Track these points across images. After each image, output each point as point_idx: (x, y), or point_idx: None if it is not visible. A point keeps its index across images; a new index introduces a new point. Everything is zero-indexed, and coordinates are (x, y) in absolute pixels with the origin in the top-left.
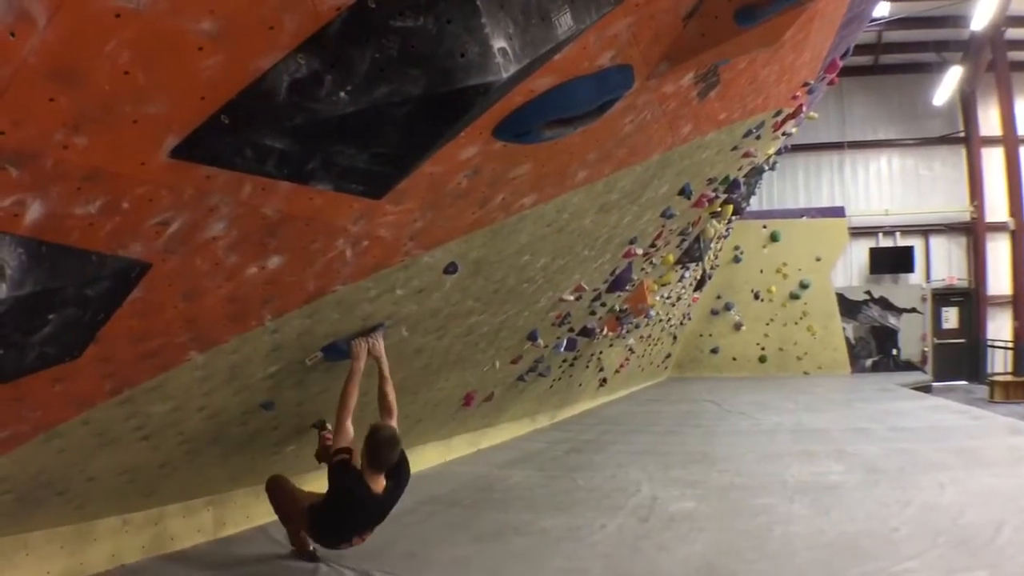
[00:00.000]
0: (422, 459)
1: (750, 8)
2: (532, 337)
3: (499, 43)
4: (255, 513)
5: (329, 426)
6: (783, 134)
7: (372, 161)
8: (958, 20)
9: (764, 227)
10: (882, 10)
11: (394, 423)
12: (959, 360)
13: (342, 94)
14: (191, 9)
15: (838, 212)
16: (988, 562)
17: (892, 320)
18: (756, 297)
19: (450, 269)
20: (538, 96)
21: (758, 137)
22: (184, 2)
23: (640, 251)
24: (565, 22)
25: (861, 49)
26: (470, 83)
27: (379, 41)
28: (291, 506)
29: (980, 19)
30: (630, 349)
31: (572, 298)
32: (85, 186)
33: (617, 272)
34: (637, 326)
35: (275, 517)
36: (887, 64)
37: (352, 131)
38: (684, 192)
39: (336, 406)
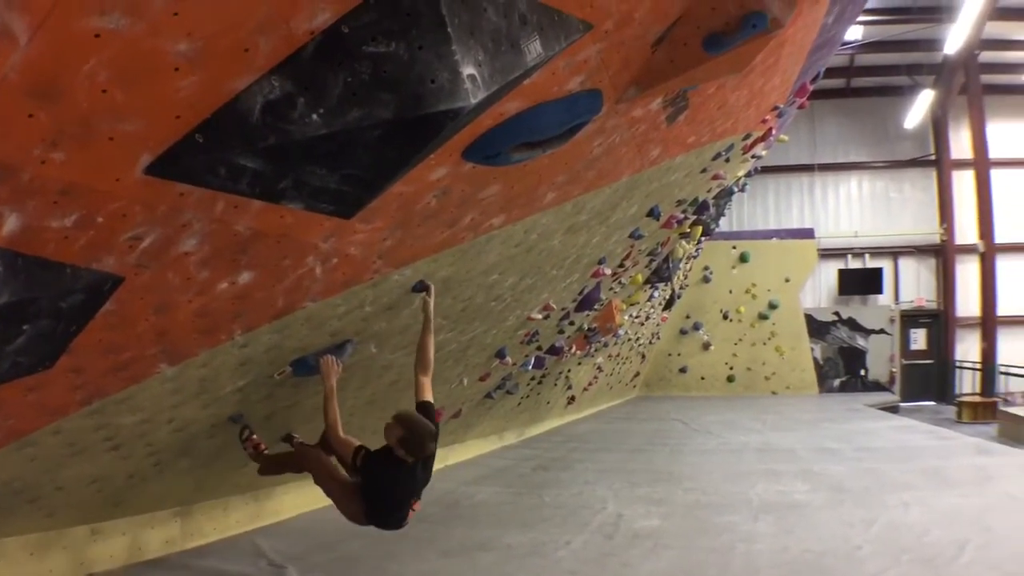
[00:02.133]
0: None
1: (718, 36)
2: (500, 355)
3: (469, 70)
4: (222, 524)
5: (297, 436)
6: (753, 156)
7: (343, 182)
8: (931, 44)
9: (734, 248)
10: (854, 33)
11: (429, 377)
12: (927, 381)
13: (315, 116)
14: (169, 31)
15: (808, 234)
16: None
17: (860, 341)
18: (725, 317)
19: (418, 287)
20: (508, 119)
21: (727, 160)
22: (162, 24)
23: (608, 271)
24: (534, 49)
25: (833, 72)
26: (440, 108)
27: (352, 65)
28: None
29: (953, 43)
30: (598, 367)
31: (540, 317)
32: (61, 200)
33: (585, 291)
34: (605, 345)
35: (243, 530)
36: (859, 87)
37: (324, 152)
38: (653, 213)
39: (322, 419)
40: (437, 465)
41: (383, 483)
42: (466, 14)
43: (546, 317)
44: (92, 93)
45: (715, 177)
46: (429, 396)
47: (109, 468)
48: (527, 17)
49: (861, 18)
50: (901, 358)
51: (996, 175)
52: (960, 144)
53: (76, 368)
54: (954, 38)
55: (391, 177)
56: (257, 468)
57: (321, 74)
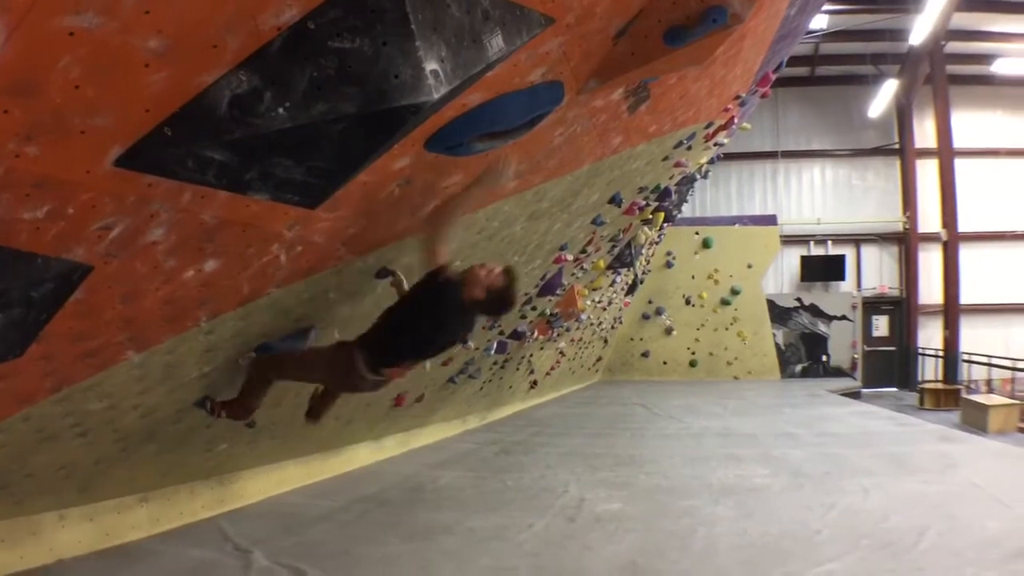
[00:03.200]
0: (354, 459)
1: (679, 29)
2: (463, 340)
3: (431, 65)
4: (188, 509)
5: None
6: (715, 144)
7: (308, 173)
8: (896, 34)
9: (697, 234)
10: (819, 22)
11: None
12: (889, 367)
13: (280, 110)
14: (140, 28)
15: (770, 220)
16: (911, 566)
17: (822, 327)
18: (687, 302)
19: (381, 274)
20: (470, 110)
21: (689, 148)
22: (134, 22)
23: (570, 257)
24: (496, 44)
25: (797, 60)
26: (403, 103)
27: (317, 61)
28: (307, 365)
29: (919, 33)
30: (561, 352)
31: None
32: (34, 192)
33: (547, 277)
34: (568, 329)
35: (208, 514)
36: (823, 76)
37: (289, 145)
38: (614, 201)
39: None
40: (400, 449)
41: (442, 298)
42: (429, 10)
43: None
44: (65, 89)
45: (677, 165)
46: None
47: (77, 454)
48: (489, 12)
49: (826, 7)
50: (863, 344)
51: (960, 165)
52: (924, 133)
53: (46, 356)
54: (920, 28)
55: (355, 169)
56: (228, 414)
57: (287, 69)
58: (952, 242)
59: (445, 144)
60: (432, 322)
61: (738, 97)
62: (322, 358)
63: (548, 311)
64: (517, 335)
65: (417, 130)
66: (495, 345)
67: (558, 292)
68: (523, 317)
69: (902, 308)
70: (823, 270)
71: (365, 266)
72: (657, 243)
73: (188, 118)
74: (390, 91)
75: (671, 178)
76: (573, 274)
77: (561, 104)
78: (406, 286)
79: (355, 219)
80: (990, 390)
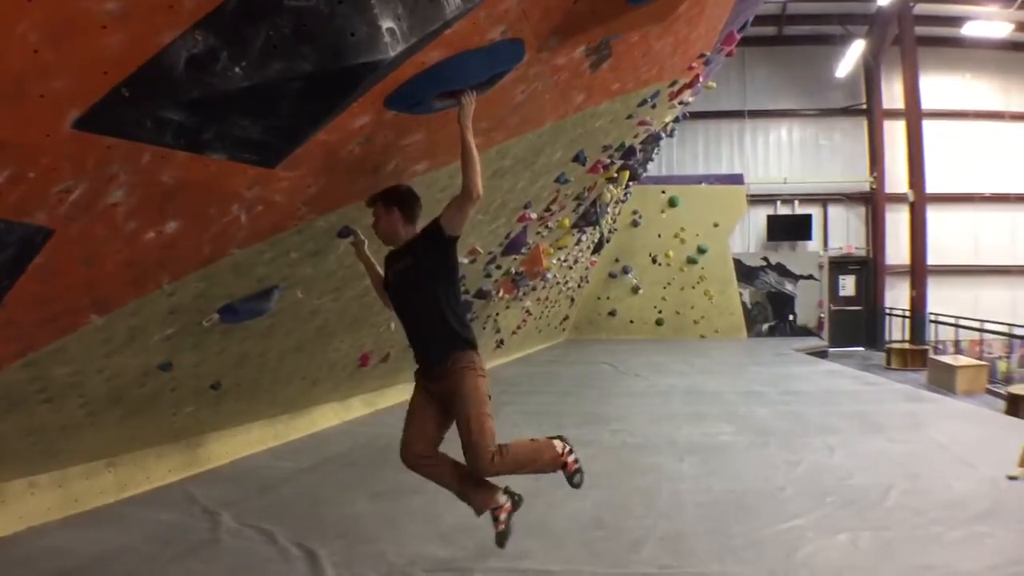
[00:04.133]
0: (320, 419)
1: None
2: None
3: (387, 23)
4: (156, 474)
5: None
6: (680, 103)
7: (265, 133)
8: None
9: (663, 192)
10: None
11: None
12: (856, 327)
13: (237, 69)
14: None
15: (737, 179)
16: (875, 524)
17: (789, 286)
18: (654, 261)
19: (343, 233)
20: (429, 68)
21: (653, 106)
22: None
23: (534, 215)
24: (453, 1)
25: (764, 20)
26: (359, 61)
27: (273, 20)
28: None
29: None
30: (527, 311)
31: (466, 261)
32: None
33: (512, 236)
34: (534, 288)
35: (176, 478)
36: (791, 35)
37: (246, 104)
38: (578, 159)
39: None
40: (366, 410)
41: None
42: None
43: (472, 261)
44: (24, 54)
45: (641, 123)
46: None
47: (44, 420)
48: None
49: None
50: (830, 304)
51: (928, 126)
52: (892, 94)
53: (9, 321)
54: None
55: (312, 128)
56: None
57: (243, 28)
58: (919, 203)
59: (405, 102)
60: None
61: (703, 56)
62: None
63: (513, 270)
64: (482, 294)
65: (376, 88)
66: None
67: (523, 251)
68: (488, 276)
69: (869, 268)
70: (790, 229)
71: (327, 225)
72: (623, 202)
73: (146, 79)
74: (346, 49)
75: (636, 136)
76: (538, 232)
77: (522, 62)
78: (367, 248)
79: (315, 178)
80: (958, 351)
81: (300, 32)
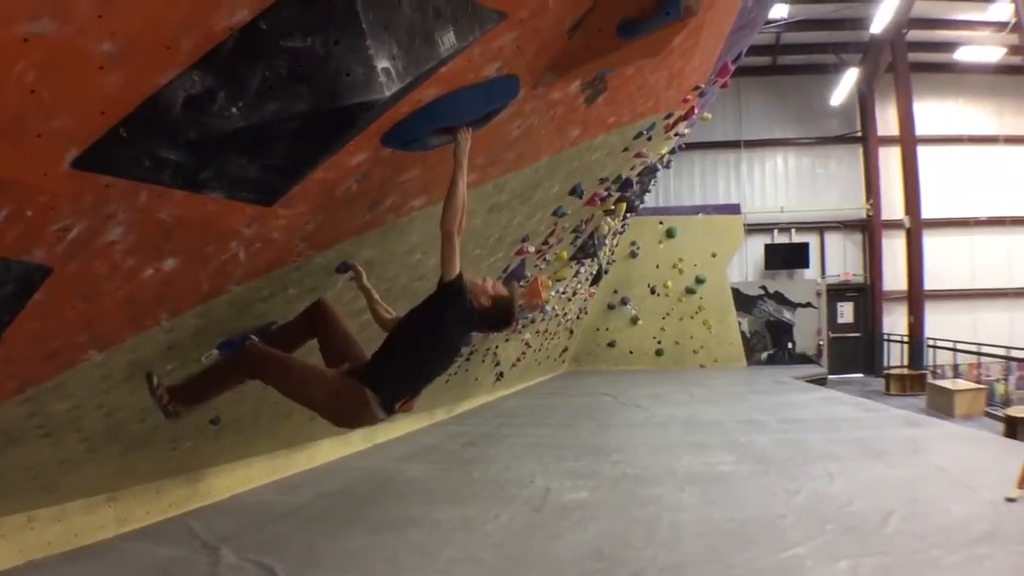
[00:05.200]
0: (318, 454)
1: (632, 22)
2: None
3: (383, 63)
4: (155, 508)
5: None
6: (676, 135)
7: (262, 172)
8: (857, 22)
9: (660, 223)
10: (780, 12)
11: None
12: (855, 354)
13: (234, 110)
14: (94, 32)
15: (734, 209)
16: (875, 550)
17: (787, 314)
18: (652, 292)
19: (341, 268)
20: (425, 105)
21: (649, 138)
22: (88, 26)
23: (532, 249)
24: (448, 40)
25: (759, 50)
26: (355, 101)
27: (269, 60)
28: (304, 381)
29: (880, 21)
30: (526, 344)
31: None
32: None
33: (510, 269)
34: (532, 321)
35: (176, 512)
36: (785, 64)
37: (243, 144)
38: (575, 192)
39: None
40: (365, 444)
41: (451, 326)
42: (380, 9)
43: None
44: (22, 93)
45: (638, 155)
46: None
47: (43, 455)
48: (441, 10)
49: None
50: (828, 331)
51: (923, 152)
52: (887, 121)
53: (8, 357)
54: (881, 17)
55: (309, 166)
56: (173, 400)
57: (240, 69)
58: (915, 229)
59: (401, 139)
60: (439, 341)
61: (697, 88)
62: (326, 383)
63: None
64: None
65: (372, 126)
66: None
67: (521, 284)
68: None
69: (867, 295)
70: (787, 258)
71: (325, 261)
72: (621, 233)
73: (143, 119)
74: (342, 89)
75: (632, 168)
76: (536, 265)
77: (517, 98)
78: (365, 279)
79: (313, 215)
80: (956, 375)
81: (296, 73)
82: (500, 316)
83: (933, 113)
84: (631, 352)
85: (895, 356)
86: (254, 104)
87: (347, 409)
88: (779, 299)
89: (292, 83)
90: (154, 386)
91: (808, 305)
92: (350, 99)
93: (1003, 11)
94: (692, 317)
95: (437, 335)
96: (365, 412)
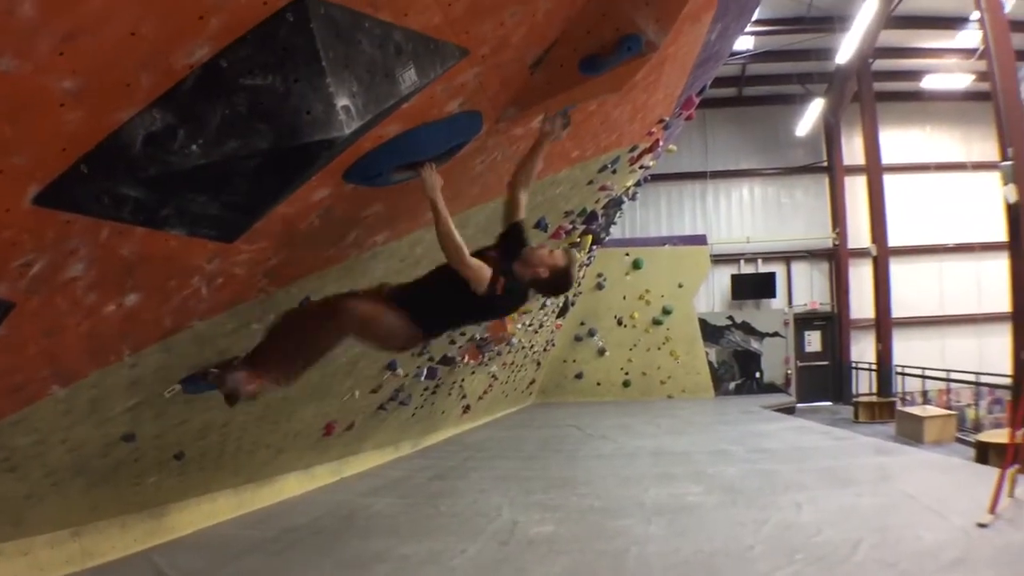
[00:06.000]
0: (285, 488)
1: (594, 58)
2: (391, 367)
3: (343, 101)
4: (120, 543)
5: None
6: (641, 167)
7: (223, 208)
8: (823, 52)
9: (627, 255)
10: (746, 44)
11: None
12: (823, 382)
13: (194, 147)
14: (55, 70)
15: (700, 240)
16: None
17: (755, 344)
18: (619, 323)
19: (305, 304)
20: (387, 141)
21: (614, 172)
22: (48, 64)
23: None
24: (409, 78)
25: (724, 81)
26: (315, 139)
27: (230, 98)
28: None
29: (845, 52)
30: (493, 376)
31: None
32: None
33: None
34: (499, 354)
35: (141, 547)
36: (751, 96)
37: (203, 181)
38: (539, 225)
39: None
40: (331, 478)
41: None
42: (341, 47)
43: None
44: None
45: (602, 188)
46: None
47: (7, 489)
48: (402, 47)
49: (753, 29)
50: (796, 360)
51: (890, 180)
52: (853, 150)
53: None
54: (846, 47)
55: (270, 204)
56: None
57: (200, 106)
58: (882, 257)
59: (363, 175)
60: (478, 310)
61: (662, 121)
62: (400, 322)
63: (478, 336)
64: (447, 361)
65: (335, 161)
66: (425, 371)
67: None
68: (452, 343)
69: (834, 323)
70: (754, 288)
71: (288, 297)
72: (587, 265)
73: (104, 156)
74: (302, 127)
75: (597, 202)
76: None
77: (480, 133)
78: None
79: (275, 250)
80: (926, 401)
81: (256, 110)
82: (557, 283)
83: (900, 141)
84: (598, 383)
85: (864, 384)
86: (214, 142)
87: (405, 337)
88: (746, 329)
89: (252, 121)
90: (217, 380)
91: (775, 334)
92: (310, 137)
93: (971, 38)
94: (659, 348)
95: (475, 306)
96: (415, 339)
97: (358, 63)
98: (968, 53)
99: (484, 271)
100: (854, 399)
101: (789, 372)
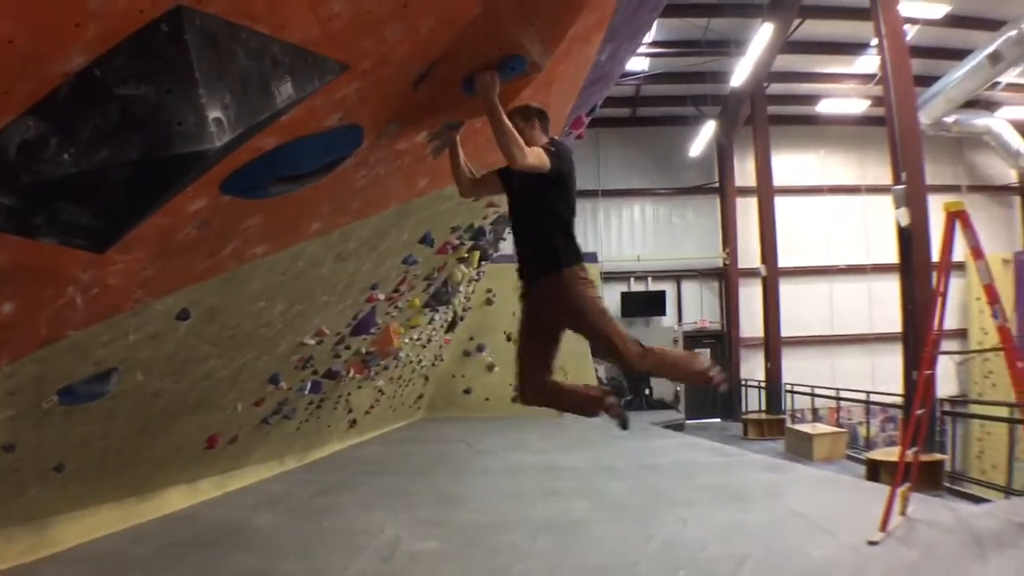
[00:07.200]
0: (169, 502)
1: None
2: (274, 380)
3: (214, 113)
4: (5, 555)
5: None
6: None
7: (95, 218)
8: (718, 76)
9: (517, 271)
10: (640, 65)
11: None
12: (713, 399)
13: (66, 156)
14: None
15: (591, 258)
16: None
17: None
18: (509, 339)
19: (183, 315)
20: (264, 154)
21: None
22: None
23: (382, 296)
24: (285, 91)
25: (618, 101)
26: (186, 150)
27: (103, 107)
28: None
29: (740, 76)
30: (380, 391)
31: (313, 342)
32: None
33: (360, 316)
34: (386, 368)
35: (25, 560)
36: (645, 116)
37: (75, 190)
38: (425, 241)
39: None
40: (216, 492)
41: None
42: (215, 58)
43: (320, 342)
44: None
45: (490, 205)
46: None
47: None
48: (279, 60)
49: (648, 50)
50: None
51: (783, 202)
52: (745, 172)
53: None
54: (741, 71)
55: (142, 214)
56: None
57: (73, 115)
58: (772, 277)
59: (240, 187)
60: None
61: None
62: (591, 293)
63: (364, 350)
64: (332, 375)
65: (212, 172)
66: (309, 385)
67: (372, 331)
68: (337, 356)
69: (723, 341)
70: (644, 306)
71: (164, 308)
72: (476, 280)
73: None
74: (174, 138)
75: (485, 218)
76: (388, 313)
77: (361, 147)
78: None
79: (151, 261)
80: (816, 419)
81: (128, 120)
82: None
83: (794, 164)
84: (487, 399)
85: (753, 401)
86: (86, 151)
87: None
88: None
89: (124, 131)
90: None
91: None
92: (182, 148)
93: (870, 63)
94: None
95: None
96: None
97: (232, 75)
98: (866, 78)
99: (539, 150)
100: (743, 416)
101: (678, 389)
